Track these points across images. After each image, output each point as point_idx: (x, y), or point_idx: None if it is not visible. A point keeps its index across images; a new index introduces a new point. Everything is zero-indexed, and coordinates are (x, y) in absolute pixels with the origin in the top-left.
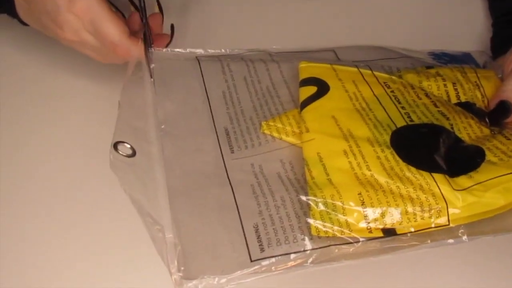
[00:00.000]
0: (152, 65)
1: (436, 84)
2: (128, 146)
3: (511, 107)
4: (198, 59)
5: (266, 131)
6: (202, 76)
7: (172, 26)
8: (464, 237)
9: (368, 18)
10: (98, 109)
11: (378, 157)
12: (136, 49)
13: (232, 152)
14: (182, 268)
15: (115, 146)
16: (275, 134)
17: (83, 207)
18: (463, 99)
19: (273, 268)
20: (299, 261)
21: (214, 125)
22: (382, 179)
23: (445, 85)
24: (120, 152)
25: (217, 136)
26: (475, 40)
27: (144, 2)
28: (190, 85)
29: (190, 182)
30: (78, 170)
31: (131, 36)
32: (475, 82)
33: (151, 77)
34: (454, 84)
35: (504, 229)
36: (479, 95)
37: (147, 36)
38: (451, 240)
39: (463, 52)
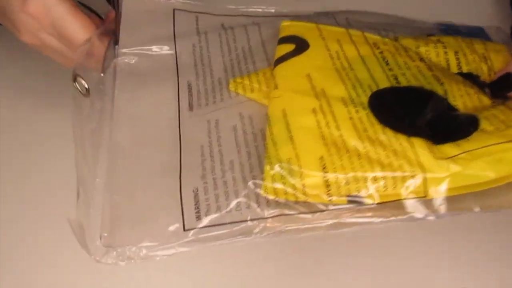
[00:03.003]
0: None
1: (436, 50)
2: (83, 82)
3: None
4: (174, 11)
5: (232, 89)
6: (174, 26)
7: None
8: (443, 212)
9: None
10: None
11: (351, 118)
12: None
13: (191, 110)
14: (105, 235)
15: (75, 78)
16: (241, 91)
17: None
18: (465, 69)
19: (209, 239)
20: (241, 232)
21: (178, 77)
22: (351, 141)
23: (445, 52)
24: (77, 86)
25: (178, 89)
26: (492, 16)
27: None
28: (159, 34)
29: (138, 138)
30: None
31: (102, 36)
32: (482, 54)
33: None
34: (456, 52)
35: (493, 206)
36: (485, 68)
37: (117, 31)
38: (428, 215)
39: (475, 26)
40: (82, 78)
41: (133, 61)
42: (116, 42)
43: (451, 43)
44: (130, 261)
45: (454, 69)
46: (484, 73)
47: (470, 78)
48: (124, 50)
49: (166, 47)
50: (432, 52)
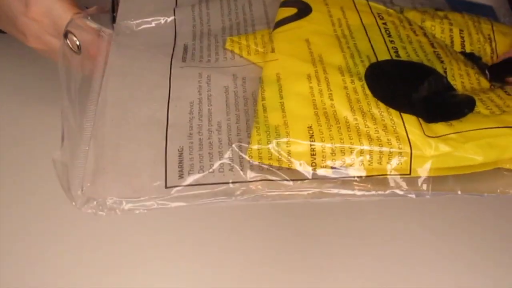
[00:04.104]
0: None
1: (441, 26)
2: (75, 39)
3: None
4: None
5: (229, 47)
6: None
7: None
8: (426, 191)
9: None
10: None
11: (345, 87)
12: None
13: (184, 61)
14: (88, 185)
15: (66, 34)
16: (237, 51)
17: None
18: (468, 49)
19: (190, 198)
20: (222, 194)
21: (175, 42)
22: (342, 111)
23: (451, 29)
24: (68, 43)
25: (173, 49)
26: None
27: None
28: (159, 4)
29: (127, 93)
30: None
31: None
32: (488, 35)
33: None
34: (461, 31)
35: (477, 190)
36: (488, 50)
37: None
38: (409, 192)
39: (484, 4)
40: (74, 35)
41: (132, 29)
42: (113, 20)
43: (458, 20)
44: (110, 212)
45: (458, 47)
46: (487, 54)
47: (472, 59)
48: (123, 20)
49: (166, 17)
50: (438, 27)
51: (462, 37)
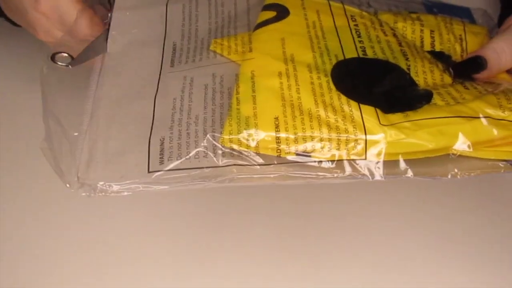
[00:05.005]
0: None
1: (412, 27)
2: (66, 55)
3: (483, 64)
4: None
5: (212, 48)
6: None
7: None
8: (379, 175)
9: None
10: None
11: (312, 83)
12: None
13: (172, 66)
14: (82, 173)
15: (53, 57)
16: (219, 51)
17: None
18: (438, 48)
19: (169, 181)
20: (198, 177)
21: (165, 39)
22: (307, 103)
23: (421, 30)
24: (59, 63)
25: (163, 49)
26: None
27: None
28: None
29: (121, 91)
30: None
31: (92, 20)
32: (460, 35)
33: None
34: (432, 31)
35: (427, 173)
36: (458, 49)
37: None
38: (364, 176)
39: (462, 6)
40: (65, 52)
41: (126, 24)
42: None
43: (430, 21)
44: (101, 194)
45: (428, 47)
46: (457, 53)
47: (441, 57)
48: (118, 12)
49: (158, 10)
50: (409, 28)
51: (432, 37)
